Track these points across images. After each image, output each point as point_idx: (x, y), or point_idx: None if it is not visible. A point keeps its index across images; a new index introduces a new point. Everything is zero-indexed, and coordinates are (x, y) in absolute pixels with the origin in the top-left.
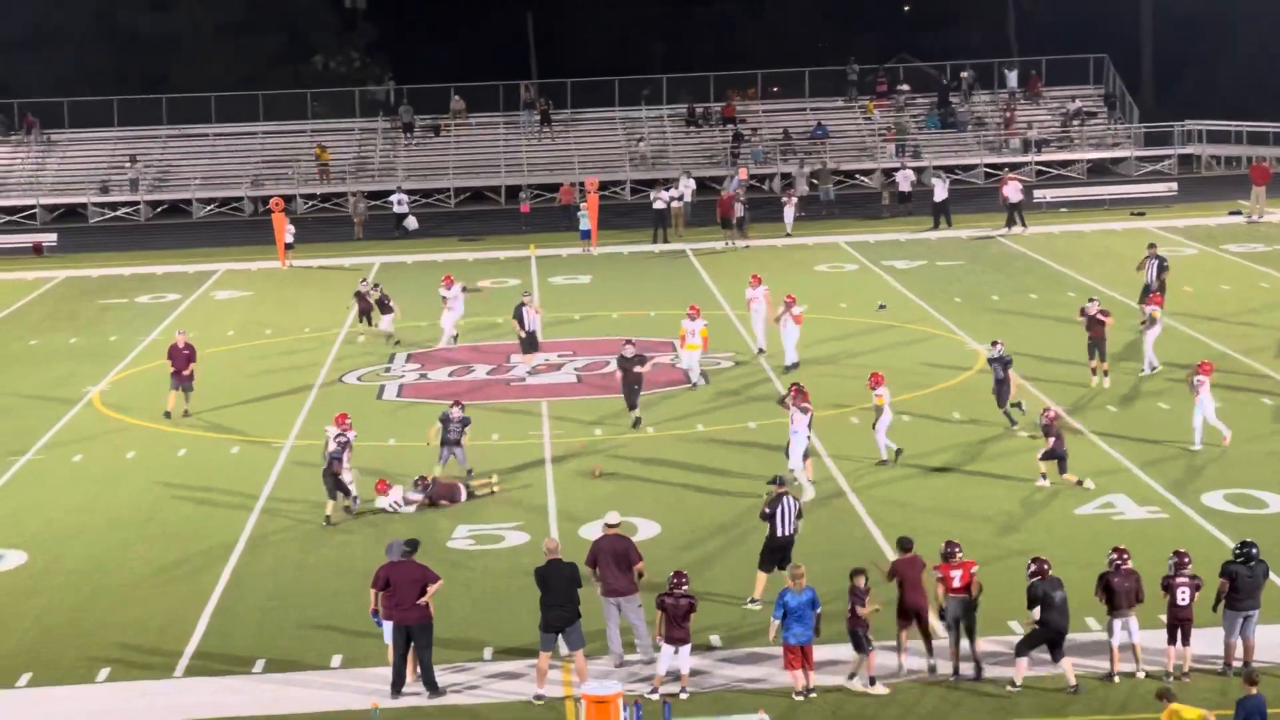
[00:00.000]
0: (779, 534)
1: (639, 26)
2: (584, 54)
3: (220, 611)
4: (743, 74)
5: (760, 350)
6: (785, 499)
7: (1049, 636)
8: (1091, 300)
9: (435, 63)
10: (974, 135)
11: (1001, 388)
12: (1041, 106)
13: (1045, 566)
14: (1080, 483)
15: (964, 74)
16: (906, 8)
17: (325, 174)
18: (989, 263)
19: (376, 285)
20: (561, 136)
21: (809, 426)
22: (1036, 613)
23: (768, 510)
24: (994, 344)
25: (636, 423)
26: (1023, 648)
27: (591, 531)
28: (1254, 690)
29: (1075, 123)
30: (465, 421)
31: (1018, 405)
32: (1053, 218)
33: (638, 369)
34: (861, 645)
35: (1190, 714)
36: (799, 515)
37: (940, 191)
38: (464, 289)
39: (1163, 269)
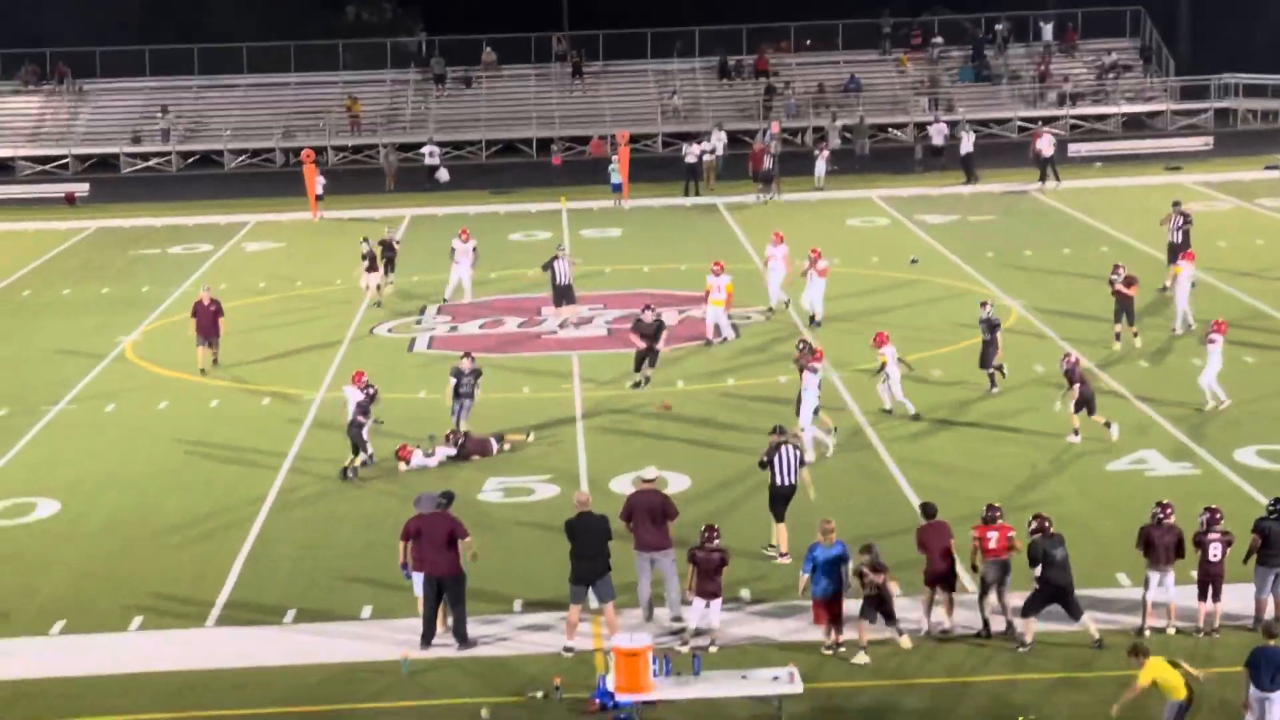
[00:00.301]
0: (779, 483)
1: None
2: (616, 6)
3: (251, 562)
4: (775, 26)
5: (770, 310)
6: (784, 448)
7: (1051, 594)
8: (1117, 269)
9: (467, 14)
10: (1008, 88)
11: (987, 349)
12: (1077, 59)
13: (1046, 523)
14: (1108, 425)
15: (999, 26)
16: None
17: (356, 125)
18: (1022, 218)
19: (365, 239)
20: (593, 89)
21: (819, 385)
22: (1038, 570)
23: (765, 459)
24: (983, 305)
25: (639, 384)
26: (1028, 609)
27: (622, 485)
28: (1272, 643)
29: (1110, 76)
30: (477, 374)
31: (1000, 368)
32: (1086, 172)
33: (657, 346)
34: (872, 615)
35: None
36: (801, 463)
37: (966, 145)
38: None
39: (1187, 224)
